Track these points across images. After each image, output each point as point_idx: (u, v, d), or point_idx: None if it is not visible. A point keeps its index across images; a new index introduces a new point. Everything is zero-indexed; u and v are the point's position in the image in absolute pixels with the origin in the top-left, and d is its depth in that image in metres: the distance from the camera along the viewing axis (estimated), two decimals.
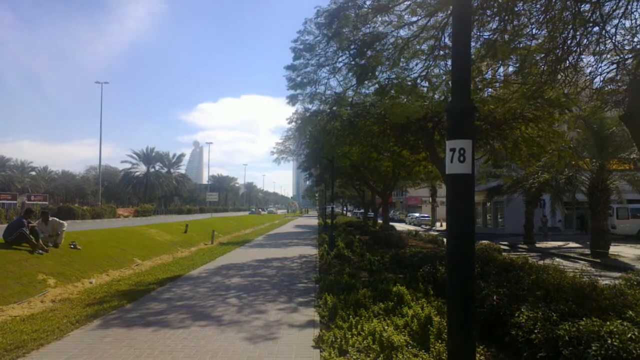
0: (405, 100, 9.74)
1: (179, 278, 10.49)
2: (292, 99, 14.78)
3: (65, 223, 11.95)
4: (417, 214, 51.22)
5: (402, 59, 9.29)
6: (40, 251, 10.31)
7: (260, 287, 9.48)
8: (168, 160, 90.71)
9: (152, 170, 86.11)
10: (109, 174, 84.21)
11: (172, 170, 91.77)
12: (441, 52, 8.71)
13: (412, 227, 38.12)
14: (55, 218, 11.71)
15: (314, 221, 52.79)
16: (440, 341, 4.89)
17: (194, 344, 5.49)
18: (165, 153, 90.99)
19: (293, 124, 19.25)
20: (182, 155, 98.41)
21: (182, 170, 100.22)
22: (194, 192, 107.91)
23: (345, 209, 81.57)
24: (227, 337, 5.81)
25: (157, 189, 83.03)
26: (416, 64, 10.04)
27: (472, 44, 8.91)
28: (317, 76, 13.77)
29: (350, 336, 5.30)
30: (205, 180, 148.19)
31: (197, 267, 12.35)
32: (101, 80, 57.96)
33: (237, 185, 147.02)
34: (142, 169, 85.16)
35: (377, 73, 10.05)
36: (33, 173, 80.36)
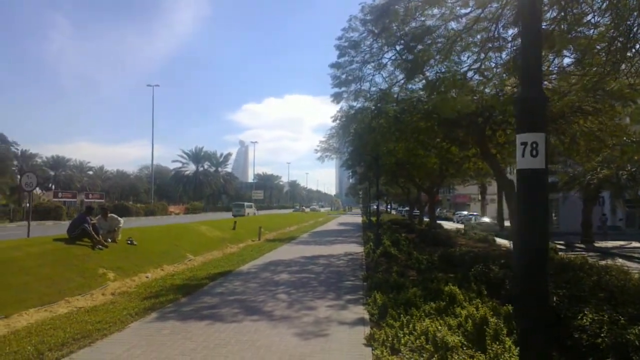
0: (455, 94, 9.47)
1: (229, 273, 10.76)
2: (337, 97, 14.76)
3: (122, 220, 12.54)
4: (465, 212, 49.74)
5: (453, 53, 9.03)
6: (100, 246, 10.87)
7: (308, 283, 9.55)
8: (216, 160, 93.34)
9: (201, 169, 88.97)
10: (160, 173, 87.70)
11: (219, 169, 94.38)
12: (495, 44, 8.39)
13: (460, 226, 36.96)
14: (113, 215, 12.32)
15: (358, 219, 52.61)
16: (497, 343, 4.71)
17: (248, 338, 5.60)
18: (213, 152, 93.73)
19: (337, 122, 19.25)
20: (229, 154, 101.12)
21: (228, 169, 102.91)
22: (240, 190, 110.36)
23: (389, 206, 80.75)
24: (279, 332, 5.88)
25: (205, 187, 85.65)
26: (467, 57, 9.75)
27: None
28: (362, 73, 13.68)
29: (402, 335, 5.22)
30: (250, 178, 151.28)
31: (246, 262, 12.62)
32: (152, 84, 60.46)
33: (281, 183, 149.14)
34: (191, 168, 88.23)
35: (426, 67, 9.83)
36: (90, 172, 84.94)
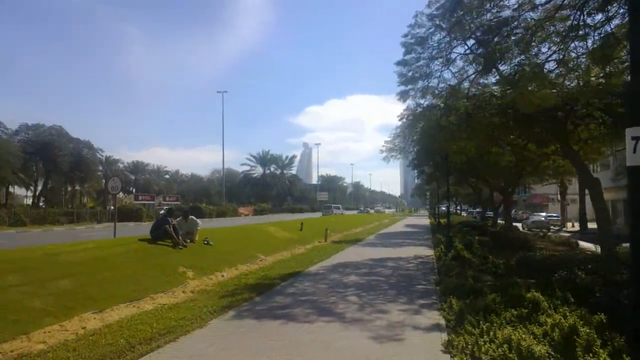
0: (534, 88, 8.91)
1: (299, 274, 10.93)
2: (403, 95, 14.47)
3: (199, 221, 13.21)
4: (543, 213, 46.53)
5: (532, 44, 8.51)
6: (180, 246, 11.51)
7: (378, 286, 9.44)
8: (281, 162, 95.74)
9: (268, 171, 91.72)
10: (230, 175, 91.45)
11: (284, 171, 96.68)
12: (579, 32, 7.78)
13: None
14: (193, 217, 13.02)
15: (425, 221, 51.33)
16: (591, 355, 4.35)
17: (322, 339, 5.63)
18: (279, 155, 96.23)
19: (403, 120, 18.88)
20: (293, 157, 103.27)
21: (293, 171, 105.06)
22: (305, 191, 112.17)
23: (459, 208, 77.91)
24: (352, 334, 5.86)
25: (272, 189, 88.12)
26: (548, 48, 9.12)
27: (619, 20, 7.82)
28: (430, 69, 13.33)
29: (482, 343, 4.98)
30: (314, 180, 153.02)
31: (315, 264, 12.75)
32: (221, 90, 63.24)
33: (344, 184, 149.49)
34: (258, 170, 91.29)
35: (502, 61, 9.34)
36: (167, 176, 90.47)
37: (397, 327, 6.25)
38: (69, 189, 60.08)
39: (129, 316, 6.83)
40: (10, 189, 53.78)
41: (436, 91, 13.54)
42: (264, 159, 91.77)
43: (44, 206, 48.60)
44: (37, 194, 53.30)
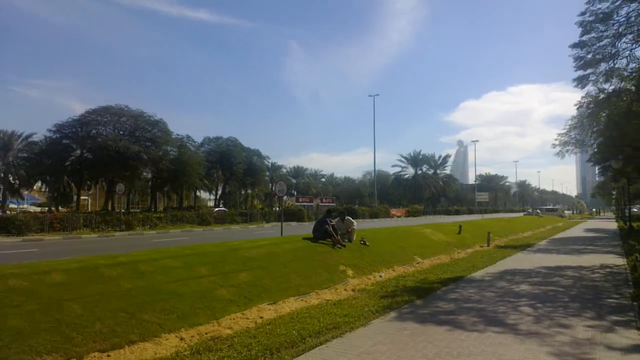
0: None
1: (461, 279, 10.35)
2: (581, 81, 12.68)
3: (355, 222, 13.55)
4: None
5: None
6: (339, 245, 11.96)
7: (556, 297, 8.35)
8: (434, 162, 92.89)
9: (420, 172, 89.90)
10: (381, 177, 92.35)
11: (438, 172, 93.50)
12: None
13: None
14: (349, 217, 13.44)
15: (610, 224, 44.00)
16: None
17: (492, 350, 5.19)
18: (431, 155, 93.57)
19: (582, 109, 16.50)
20: (447, 156, 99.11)
21: (447, 171, 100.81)
22: (460, 192, 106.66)
23: None
24: (529, 348, 5.26)
25: (424, 190, 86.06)
26: None
27: None
28: (616, 49, 11.43)
29: None
30: (471, 180, 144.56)
31: (478, 269, 11.94)
32: (372, 94, 64.28)
33: (507, 184, 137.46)
34: (410, 171, 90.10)
35: None
36: (323, 180, 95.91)
37: (584, 344, 5.41)
38: (242, 192, 67.98)
39: (298, 309, 7.32)
40: (198, 193, 63.27)
41: (625, 73, 11.56)
42: (416, 160, 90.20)
43: (223, 208, 55.87)
44: (217, 197, 61.59)
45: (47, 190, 49.16)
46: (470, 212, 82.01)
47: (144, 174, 45.67)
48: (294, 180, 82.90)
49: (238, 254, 9.62)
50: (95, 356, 4.95)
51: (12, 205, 45.81)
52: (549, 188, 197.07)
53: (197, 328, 6.14)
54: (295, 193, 76.91)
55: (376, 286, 9.37)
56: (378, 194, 74.87)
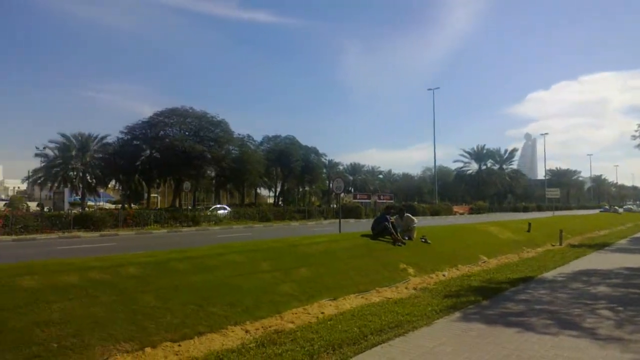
0: None
1: (531, 280, 9.81)
2: None
3: (415, 219, 13.27)
4: None
5: None
6: (399, 243, 11.76)
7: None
8: (499, 157, 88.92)
9: (484, 167, 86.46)
10: (442, 173, 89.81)
11: (503, 167, 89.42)
12: None
13: None
14: (409, 215, 13.18)
15: None
16: None
17: (568, 355, 4.86)
18: (496, 149, 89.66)
19: None
20: (514, 150, 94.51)
21: (514, 165, 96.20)
22: (529, 188, 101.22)
23: None
24: (610, 355, 4.87)
25: (489, 186, 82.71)
26: None
27: None
28: None
29: None
30: (540, 175, 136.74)
31: (549, 269, 11.26)
32: (432, 87, 62.62)
33: (580, 179, 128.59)
34: (473, 167, 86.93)
35: None
36: (380, 176, 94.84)
37: None
38: (300, 189, 68.97)
39: (359, 306, 7.28)
40: (258, 191, 65.01)
41: None
42: (479, 154, 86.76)
43: (282, 204, 57.02)
44: (276, 194, 62.96)
45: (120, 188, 52.71)
46: (540, 209, 77.52)
47: (208, 172, 47.69)
48: (351, 177, 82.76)
49: (298, 250, 9.75)
50: (167, 345, 5.22)
51: (89, 203, 49.53)
52: (628, 183, 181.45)
53: (261, 321, 6.29)
54: (352, 190, 76.77)
55: (439, 285, 9.11)
56: (439, 191, 72.94)
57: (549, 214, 51.28)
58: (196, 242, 19.27)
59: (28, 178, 55.80)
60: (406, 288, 8.94)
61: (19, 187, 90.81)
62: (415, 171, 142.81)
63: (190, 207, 41.58)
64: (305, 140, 69.20)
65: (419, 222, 14.18)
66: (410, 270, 10.22)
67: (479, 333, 5.75)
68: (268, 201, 70.06)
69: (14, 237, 21.77)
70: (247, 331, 5.90)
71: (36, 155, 45.81)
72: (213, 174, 49.53)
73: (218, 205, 43.11)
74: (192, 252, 8.63)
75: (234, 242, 11.50)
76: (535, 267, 11.68)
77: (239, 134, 49.52)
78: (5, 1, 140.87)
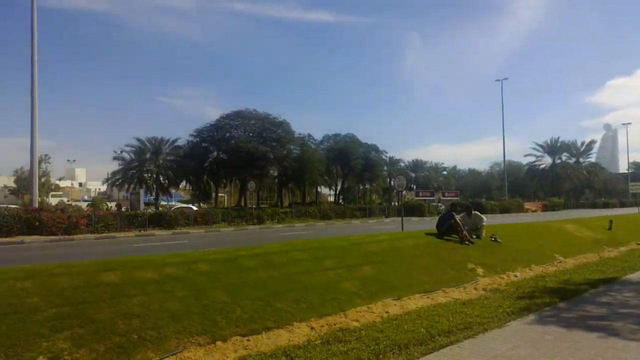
0: None
1: (614, 281, 9.06)
2: None
3: (484, 217, 12.72)
4: None
5: None
6: (467, 242, 11.34)
7: None
8: (575, 150, 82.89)
9: (558, 161, 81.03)
10: (512, 168, 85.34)
11: (580, 160, 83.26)
12: None
13: None
14: (477, 212, 12.67)
15: None
16: None
17: None
18: (572, 142, 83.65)
19: None
20: (592, 142, 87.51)
21: (592, 159, 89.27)
22: (609, 183, 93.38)
23: None
24: None
25: (564, 181, 77.46)
26: None
27: None
28: None
29: None
30: (622, 168, 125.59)
31: (635, 270, 10.35)
32: (500, 78, 59.73)
33: None
34: (546, 161, 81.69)
35: None
36: (445, 172, 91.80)
37: None
38: (360, 187, 68.63)
39: (424, 306, 7.12)
40: (319, 189, 65.59)
41: None
42: (553, 148, 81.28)
43: (342, 203, 57.11)
44: (337, 192, 63.15)
45: (190, 188, 55.49)
46: (623, 205, 71.31)
47: (271, 172, 48.86)
48: (413, 174, 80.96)
49: (360, 248, 9.71)
50: (237, 340, 5.42)
51: (162, 203, 52.60)
52: None
53: (326, 318, 6.35)
54: (414, 187, 75.20)
55: (511, 286, 8.67)
56: (509, 187, 69.44)
57: (633, 210, 47.03)
58: (262, 239, 19.83)
59: (107, 180, 60.30)
60: (475, 289, 8.61)
61: (99, 189, 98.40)
62: (483, 166, 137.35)
63: (254, 206, 42.86)
64: (365, 137, 68.53)
65: (489, 219, 13.57)
66: (479, 271, 9.83)
67: (556, 337, 5.41)
68: (329, 199, 70.43)
69: (96, 235, 23.62)
70: (312, 328, 5.97)
71: (114, 158, 49.33)
72: (275, 174, 50.70)
73: (185, 206, 44.01)
74: (259, 249, 8.90)
75: (297, 240, 11.72)
76: (618, 267, 10.78)
77: (300, 134, 50.23)
78: (95, 22, 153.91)
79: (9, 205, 31.00)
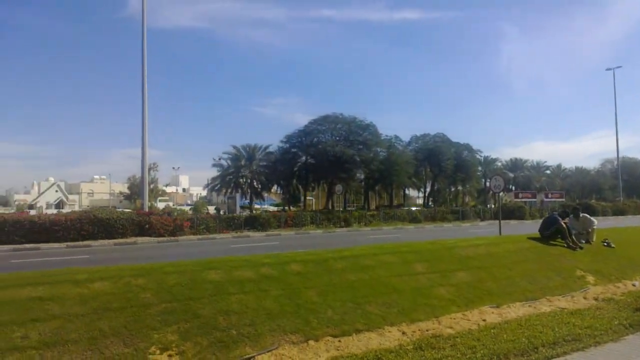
0: None
1: None
2: None
3: (595, 220, 11.55)
4: None
5: None
6: (574, 247, 10.38)
7: None
8: None
9: None
10: (627, 166, 76.20)
11: None
12: None
13: None
14: (586, 215, 11.55)
15: None
16: None
17: None
18: None
19: None
20: None
21: None
22: None
23: None
24: None
25: None
26: None
27: None
28: None
29: None
30: None
31: None
32: (612, 67, 53.87)
33: None
34: None
35: None
36: (548, 172, 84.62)
37: None
38: (452, 189, 65.92)
39: (526, 315, 6.66)
40: (407, 191, 64.31)
41: None
42: None
43: (432, 205, 55.37)
44: (426, 194, 61.36)
45: (281, 192, 57.66)
46: None
47: (358, 175, 49.00)
48: (512, 174, 75.77)
49: (454, 253, 9.34)
50: (328, 340, 5.51)
51: (256, 206, 55.30)
52: None
53: (418, 324, 6.20)
54: (513, 188, 70.36)
55: (628, 296, 7.77)
56: (624, 186, 62.26)
57: None
58: (350, 242, 19.95)
59: (207, 185, 64.83)
60: (585, 298, 7.86)
61: (200, 194, 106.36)
62: (592, 164, 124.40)
63: (341, 209, 43.29)
64: (457, 137, 65.85)
65: (599, 223, 12.30)
66: (590, 278, 8.94)
67: None
68: (417, 202, 68.65)
69: (198, 236, 25.53)
70: (403, 333, 5.87)
71: (213, 165, 53.17)
72: (362, 176, 50.72)
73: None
74: (348, 251, 8.96)
75: (386, 243, 11.58)
76: None
77: (387, 136, 49.75)
78: (197, 39, 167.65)
79: (123, 210, 34.66)
